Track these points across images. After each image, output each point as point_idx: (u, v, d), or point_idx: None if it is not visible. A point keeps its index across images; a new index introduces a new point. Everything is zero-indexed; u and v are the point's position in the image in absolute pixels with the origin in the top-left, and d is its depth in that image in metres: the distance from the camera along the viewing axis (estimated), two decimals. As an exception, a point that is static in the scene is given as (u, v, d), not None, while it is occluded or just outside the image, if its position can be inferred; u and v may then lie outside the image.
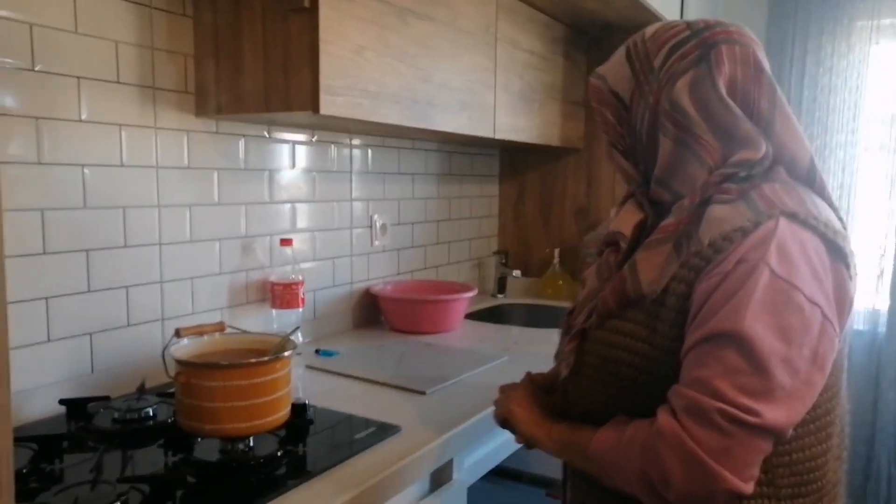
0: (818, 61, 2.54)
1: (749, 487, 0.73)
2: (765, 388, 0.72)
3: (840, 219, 0.85)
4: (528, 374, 1.09)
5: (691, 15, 2.32)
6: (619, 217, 0.93)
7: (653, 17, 2.14)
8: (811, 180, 0.86)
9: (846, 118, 2.52)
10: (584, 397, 0.91)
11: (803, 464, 0.81)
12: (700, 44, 0.85)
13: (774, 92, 0.87)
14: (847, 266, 0.79)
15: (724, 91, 0.83)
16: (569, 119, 2.35)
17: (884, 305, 2.48)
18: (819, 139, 2.56)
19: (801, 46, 2.56)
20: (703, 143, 0.84)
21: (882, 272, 2.49)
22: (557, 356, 1.01)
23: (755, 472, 0.74)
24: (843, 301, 0.79)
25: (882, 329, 2.49)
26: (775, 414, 0.72)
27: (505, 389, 1.08)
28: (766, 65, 0.88)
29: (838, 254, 0.78)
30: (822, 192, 0.86)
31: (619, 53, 0.92)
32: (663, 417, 0.76)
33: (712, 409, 0.72)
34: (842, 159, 2.53)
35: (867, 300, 2.52)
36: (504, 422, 1.04)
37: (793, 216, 0.78)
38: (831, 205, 0.86)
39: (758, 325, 0.73)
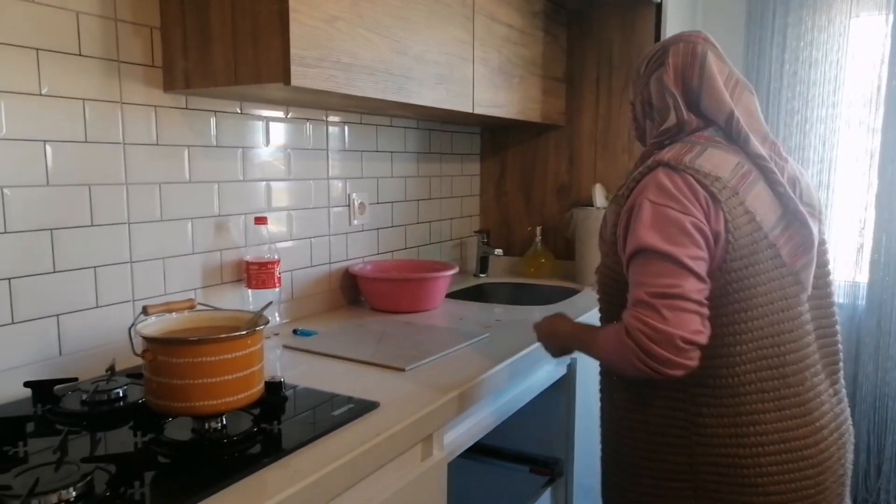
0: (798, 35, 2.53)
1: (697, 337, 0.99)
2: (671, 272, 1.00)
3: (761, 165, 1.10)
4: None
5: (671, -12, 2.29)
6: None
7: (632, -11, 2.11)
8: (733, 135, 1.12)
9: (826, 92, 2.52)
10: (600, 309, 1.25)
11: (711, 360, 1.06)
12: (662, 51, 1.18)
13: (704, 71, 1.13)
14: (711, 195, 1.04)
15: (670, 80, 1.15)
16: (550, 95, 2.33)
17: (863, 279, 2.50)
18: (799, 113, 2.55)
19: (782, 19, 2.55)
20: (656, 121, 1.20)
21: (861, 246, 2.50)
22: None
23: (697, 325, 0.99)
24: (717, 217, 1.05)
25: (862, 302, 2.50)
26: (686, 284, 1.00)
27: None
28: (708, 54, 1.14)
29: (706, 188, 1.05)
30: (745, 145, 1.11)
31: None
32: (626, 314, 1.04)
33: (645, 297, 1.01)
34: (822, 133, 2.53)
35: (847, 273, 2.53)
36: (547, 335, 1.33)
37: (666, 164, 1.07)
38: (753, 153, 1.10)
39: (649, 237, 1.03)
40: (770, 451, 1.06)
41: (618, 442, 1.21)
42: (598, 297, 1.25)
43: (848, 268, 2.53)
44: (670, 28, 2.32)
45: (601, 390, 1.28)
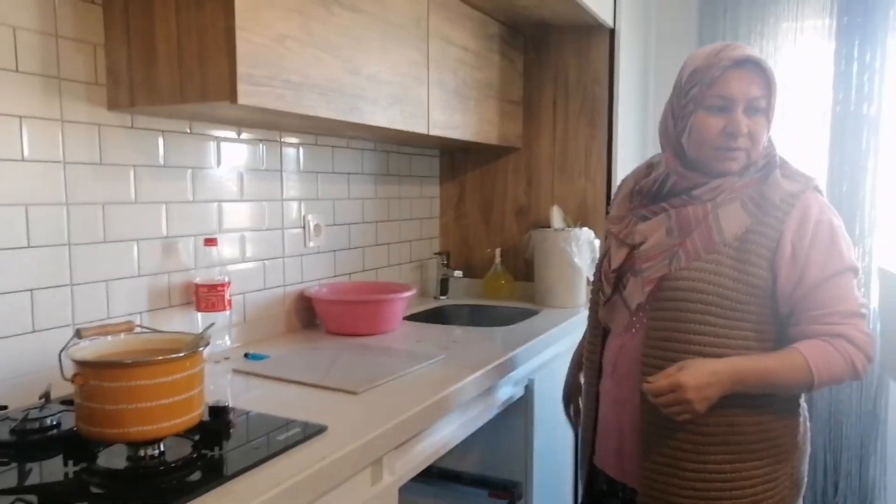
0: (747, 61, 2.60)
1: None
2: (856, 287, 1.17)
3: None
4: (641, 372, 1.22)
5: (624, 13, 2.35)
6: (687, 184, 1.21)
7: (587, 14, 2.16)
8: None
9: (776, 116, 2.59)
10: (664, 325, 1.18)
11: None
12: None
13: None
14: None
15: None
16: (507, 118, 2.35)
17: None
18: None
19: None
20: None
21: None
22: (609, 304, 1.29)
23: None
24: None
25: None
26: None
27: (659, 392, 1.11)
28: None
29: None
30: None
31: None
32: (845, 328, 1.12)
33: (859, 309, 1.14)
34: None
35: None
36: (702, 385, 1.10)
37: (815, 188, 1.18)
38: None
39: (852, 258, 1.15)
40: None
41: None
42: (665, 308, 1.17)
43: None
44: (623, 53, 2.37)
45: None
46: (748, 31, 2.59)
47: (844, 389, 2.50)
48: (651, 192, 1.25)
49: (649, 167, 1.32)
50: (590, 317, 1.41)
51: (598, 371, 1.35)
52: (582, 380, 1.44)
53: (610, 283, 1.28)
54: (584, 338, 1.47)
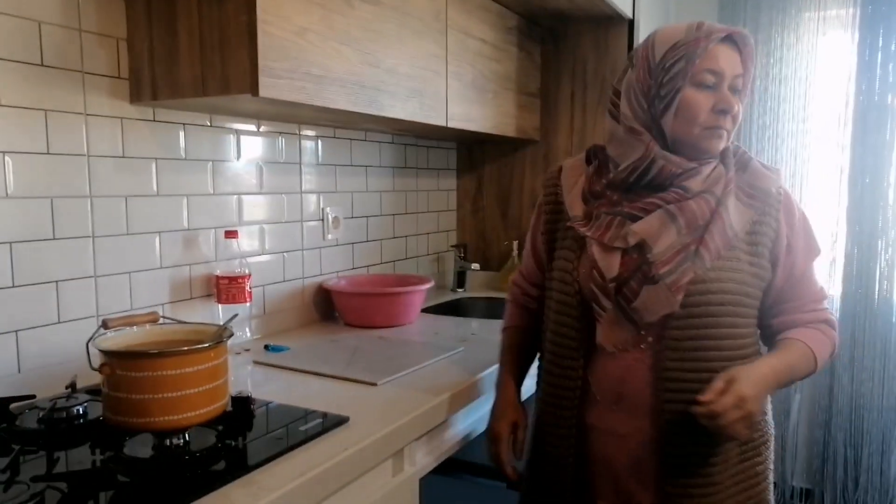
0: (769, 52, 2.57)
1: None
2: None
3: None
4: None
5: (643, 4, 2.33)
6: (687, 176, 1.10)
7: (606, 5, 2.14)
8: None
9: (796, 107, 2.56)
10: (692, 334, 1.07)
11: None
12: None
13: None
14: None
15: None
16: (524, 110, 2.34)
17: (837, 291, 2.52)
18: (771, 128, 2.59)
19: (752, 37, 2.58)
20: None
21: (834, 259, 2.53)
22: (606, 321, 1.11)
23: None
24: None
25: (835, 315, 2.52)
26: None
27: (715, 408, 0.99)
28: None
29: None
30: None
31: None
32: (824, 313, 1.17)
33: (826, 294, 1.20)
34: (793, 148, 2.57)
35: (821, 286, 2.55)
36: (758, 394, 1.02)
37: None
38: None
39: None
40: None
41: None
42: (694, 314, 1.06)
43: (822, 281, 2.55)
44: (642, 44, 2.35)
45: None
46: (769, 22, 2.55)
47: (866, 384, 2.47)
48: (627, 182, 1.11)
49: (591, 160, 1.21)
50: (553, 335, 1.19)
51: (579, 398, 1.15)
52: (524, 413, 1.27)
53: (610, 295, 1.09)
54: (513, 355, 1.31)
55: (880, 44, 2.39)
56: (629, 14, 2.28)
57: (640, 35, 2.33)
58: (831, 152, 2.52)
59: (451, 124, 1.88)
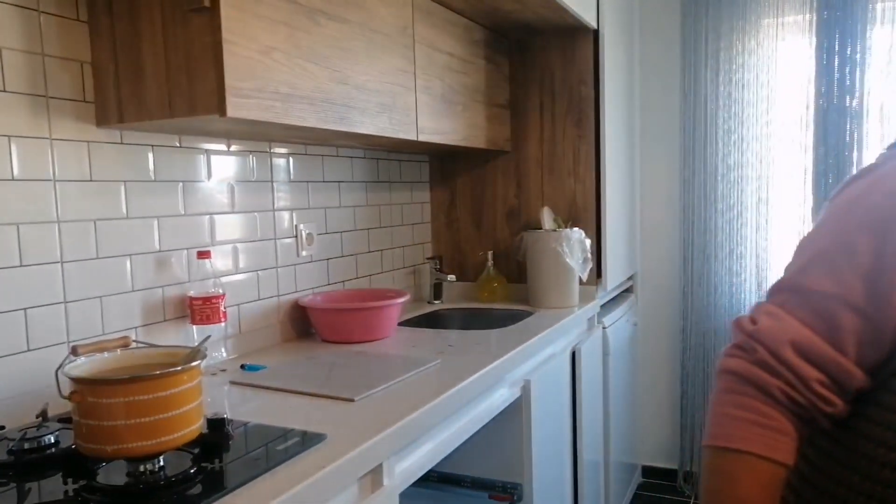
0: (730, 58, 2.64)
1: None
2: None
3: None
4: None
5: (607, 14, 2.37)
6: None
7: (571, 17, 2.17)
8: None
9: (760, 111, 2.62)
10: None
11: None
12: None
13: None
14: None
15: None
16: (494, 121, 2.36)
17: (806, 289, 2.57)
18: (736, 132, 2.65)
19: (714, 44, 2.65)
20: None
21: (802, 257, 2.58)
22: None
23: None
24: None
25: None
26: None
27: None
28: None
29: None
30: None
31: None
32: None
33: None
34: (758, 151, 2.63)
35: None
36: None
37: None
38: None
39: None
40: None
41: None
42: None
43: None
44: (608, 53, 2.39)
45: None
46: (730, 28, 2.62)
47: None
48: None
49: None
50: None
51: None
52: None
53: None
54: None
55: (836, 48, 2.46)
56: (594, 24, 2.32)
57: (606, 45, 2.37)
58: (795, 154, 2.59)
59: (421, 138, 1.89)
